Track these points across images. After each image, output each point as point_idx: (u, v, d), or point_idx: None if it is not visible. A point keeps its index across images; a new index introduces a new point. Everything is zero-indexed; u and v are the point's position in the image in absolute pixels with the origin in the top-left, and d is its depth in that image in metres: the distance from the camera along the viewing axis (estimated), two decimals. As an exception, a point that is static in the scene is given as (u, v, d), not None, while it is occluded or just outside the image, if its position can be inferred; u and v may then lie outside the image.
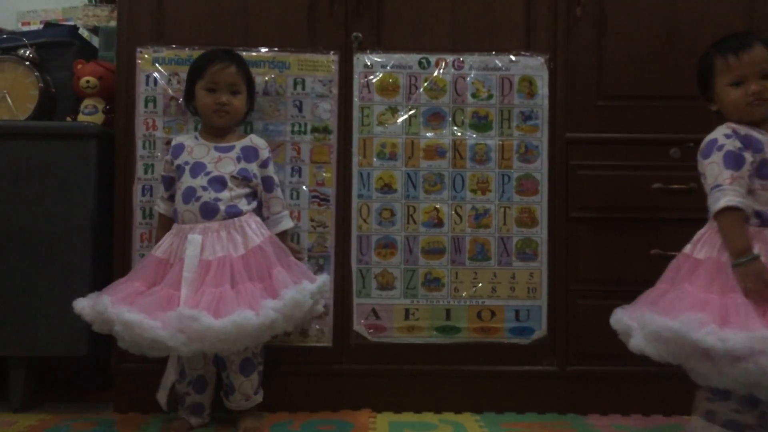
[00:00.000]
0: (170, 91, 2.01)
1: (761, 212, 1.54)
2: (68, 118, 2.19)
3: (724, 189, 1.51)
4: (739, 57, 1.59)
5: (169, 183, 1.93)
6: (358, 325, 2.01)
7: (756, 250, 1.48)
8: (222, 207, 1.82)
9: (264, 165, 1.92)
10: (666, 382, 2.03)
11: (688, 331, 1.41)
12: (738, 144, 1.55)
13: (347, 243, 2.02)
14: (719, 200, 1.51)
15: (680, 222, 2.02)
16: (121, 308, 1.69)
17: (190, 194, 1.84)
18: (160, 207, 1.94)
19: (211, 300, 1.69)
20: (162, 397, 1.81)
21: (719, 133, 1.59)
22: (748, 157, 1.53)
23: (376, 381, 2.02)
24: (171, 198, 1.93)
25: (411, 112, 2.03)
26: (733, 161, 1.53)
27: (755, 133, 1.57)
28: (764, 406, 1.50)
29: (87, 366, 2.15)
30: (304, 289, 1.78)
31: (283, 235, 1.92)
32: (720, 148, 1.56)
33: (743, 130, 1.57)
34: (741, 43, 1.60)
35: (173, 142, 1.94)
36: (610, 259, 2.03)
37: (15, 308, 1.95)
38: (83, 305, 1.79)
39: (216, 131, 1.92)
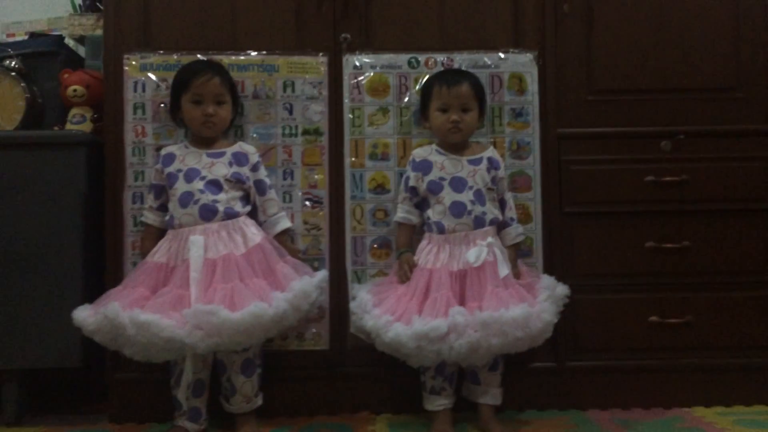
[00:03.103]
0: (159, 97, 1.99)
1: (438, 222, 1.86)
2: (56, 128, 2.17)
3: (398, 205, 1.96)
4: (449, 89, 1.89)
5: (159, 191, 1.92)
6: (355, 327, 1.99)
7: (432, 251, 1.86)
8: (221, 208, 1.84)
9: (255, 168, 1.94)
10: (666, 375, 2.03)
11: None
12: (411, 172, 1.93)
13: (342, 245, 2.00)
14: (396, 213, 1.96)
15: (674, 214, 2.04)
16: (135, 310, 1.69)
17: (188, 198, 1.84)
18: (148, 218, 1.93)
19: (224, 295, 1.72)
20: (182, 393, 1.79)
21: (414, 154, 1.96)
22: (413, 180, 1.92)
23: (375, 383, 2.01)
24: (160, 208, 1.92)
25: (402, 112, 2.03)
26: (404, 185, 1.94)
27: (436, 157, 1.92)
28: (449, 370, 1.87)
29: (81, 377, 2.12)
30: (310, 281, 1.82)
31: (282, 235, 1.93)
32: (405, 171, 1.96)
33: (424, 156, 1.93)
34: (454, 79, 1.91)
35: (163, 152, 1.93)
36: (606, 253, 2.03)
37: (6, 320, 1.93)
38: (84, 315, 1.77)
39: (205, 140, 1.93)
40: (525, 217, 2.01)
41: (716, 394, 2.03)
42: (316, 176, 2.02)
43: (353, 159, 2.02)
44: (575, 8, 2.05)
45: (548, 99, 2.04)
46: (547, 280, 1.90)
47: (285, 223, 1.94)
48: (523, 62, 2.04)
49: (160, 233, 1.91)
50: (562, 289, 1.89)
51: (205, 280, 1.75)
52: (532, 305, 1.78)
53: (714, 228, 2.04)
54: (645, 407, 2.02)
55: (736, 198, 2.04)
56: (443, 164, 1.92)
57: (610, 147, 2.04)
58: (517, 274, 1.90)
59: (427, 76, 2.00)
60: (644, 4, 2.06)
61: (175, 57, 2.00)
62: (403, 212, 1.95)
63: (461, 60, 2.03)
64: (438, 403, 1.87)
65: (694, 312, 2.02)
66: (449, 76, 1.93)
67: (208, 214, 1.83)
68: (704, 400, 2.03)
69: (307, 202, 2.01)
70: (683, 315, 2.02)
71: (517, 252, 1.96)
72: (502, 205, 1.96)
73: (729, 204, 2.04)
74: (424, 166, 1.93)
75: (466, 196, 1.88)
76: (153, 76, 2.00)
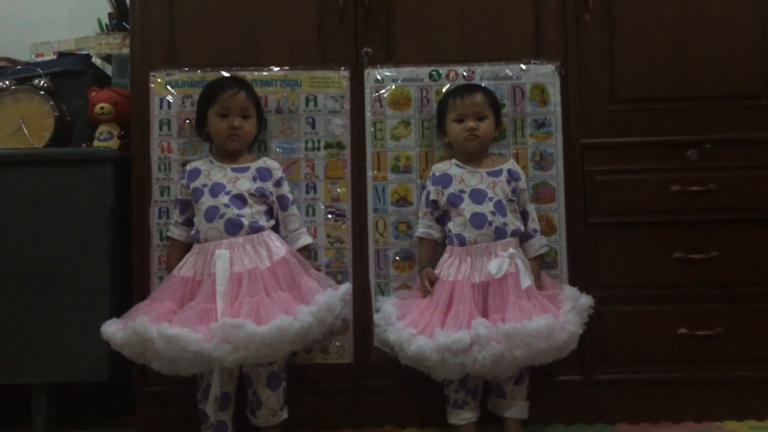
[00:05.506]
0: (184, 114, 2.02)
1: (459, 234, 1.87)
2: (84, 145, 2.21)
3: (419, 221, 1.97)
4: (463, 99, 1.93)
5: (185, 206, 1.95)
6: (379, 340, 1.98)
7: (454, 263, 1.87)
8: (246, 222, 1.86)
9: (278, 184, 1.95)
10: (696, 388, 2.00)
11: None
12: (431, 186, 1.95)
13: (365, 258, 2.00)
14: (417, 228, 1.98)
15: (701, 224, 2.01)
16: (163, 324, 1.71)
17: (214, 212, 1.86)
18: (173, 232, 1.96)
19: (250, 309, 1.73)
20: (209, 407, 1.79)
21: (434, 169, 1.97)
22: (433, 194, 1.93)
23: (399, 396, 2.00)
24: (186, 222, 1.95)
25: (424, 125, 2.03)
26: (425, 200, 1.95)
27: (455, 171, 1.94)
28: (473, 383, 1.87)
29: (109, 391, 2.14)
30: (334, 294, 1.82)
31: (302, 251, 1.95)
32: (425, 185, 1.98)
33: (443, 170, 1.95)
34: (467, 90, 1.95)
35: (188, 167, 1.96)
36: (632, 264, 2.00)
37: (35, 335, 1.95)
38: (113, 329, 1.79)
39: (229, 154, 1.96)
40: (549, 229, 2.00)
41: (749, 408, 1.99)
42: (338, 189, 2.03)
43: (375, 172, 2.02)
44: (597, 17, 2.04)
45: (571, 109, 2.02)
46: (570, 291, 1.89)
47: (306, 239, 1.96)
48: (544, 73, 2.03)
49: (185, 248, 1.93)
50: (586, 300, 1.87)
51: (231, 293, 1.77)
52: (555, 316, 1.76)
53: (742, 237, 2.00)
54: (675, 421, 1.98)
55: (764, 206, 2.00)
56: (462, 177, 1.93)
57: (635, 157, 2.02)
58: (540, 285, 1.89)
59: (445, 89, 2.01)
60: (667, 12, 2.05)
61: (200, 73, 2.03)
62: (424, 227, 1.95)
63: (482, 72, 2.03)
64: (461, 417, 1.86)
65: (724, 323, 1.99)
66: (462, 88, 1.97)
67: (233, 228, 1.85)
68: (736, 414, 1.99)
69: (330, 216, 2.02)
70: (713, 327, 1.98)
71: (541, 264, 1.95)
72: (524, 216, 1.95)
73: (757, 213, 2.00)
74: (444, 180, 1.93)
75: (486, 208, 1.88)
76: (178, 93, 2.03)
